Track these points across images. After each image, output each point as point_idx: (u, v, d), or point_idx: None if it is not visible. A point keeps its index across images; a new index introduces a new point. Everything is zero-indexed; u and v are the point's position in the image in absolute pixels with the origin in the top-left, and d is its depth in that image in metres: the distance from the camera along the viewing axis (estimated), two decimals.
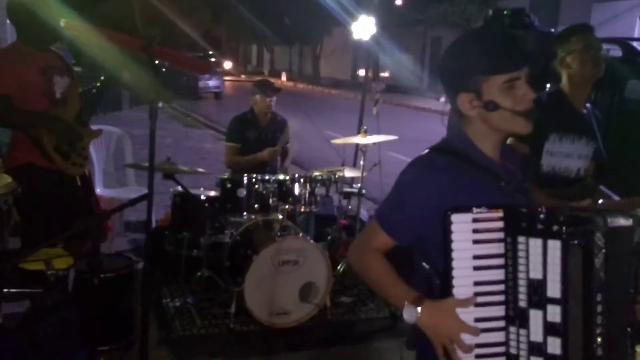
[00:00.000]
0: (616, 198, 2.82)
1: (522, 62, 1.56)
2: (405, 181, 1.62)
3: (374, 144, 4.80)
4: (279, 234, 3.96)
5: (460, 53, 1.61)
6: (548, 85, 4.58)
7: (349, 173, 4.89)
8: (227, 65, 32.64)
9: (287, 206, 4.18)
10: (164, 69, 2.33)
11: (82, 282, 2.56)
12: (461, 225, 1.41)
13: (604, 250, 1.37)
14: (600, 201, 2.80)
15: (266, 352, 3.70)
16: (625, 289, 1.46)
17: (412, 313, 1.46)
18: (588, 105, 2.91)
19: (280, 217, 4.16)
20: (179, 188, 4.25)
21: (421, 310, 1.45)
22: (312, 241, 4.03)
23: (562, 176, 2.81)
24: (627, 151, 3.08)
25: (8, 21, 3.43)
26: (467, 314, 1.43)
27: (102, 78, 3.43)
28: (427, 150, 1.64)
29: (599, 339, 1.38)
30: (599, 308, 1.37)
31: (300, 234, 4.08)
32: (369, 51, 7.02)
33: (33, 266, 2.32)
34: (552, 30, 4.99)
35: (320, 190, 4.36)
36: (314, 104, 16.45)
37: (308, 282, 3.93)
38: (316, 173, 4.45)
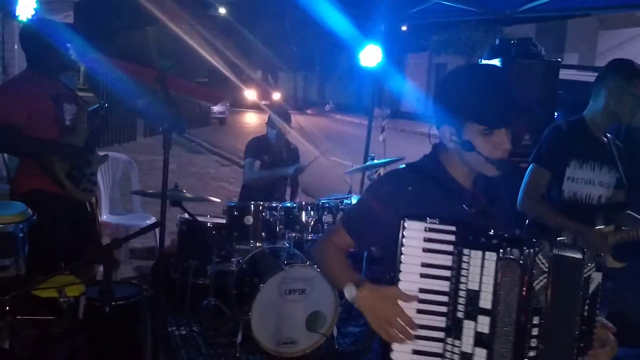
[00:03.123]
0: None
1: (504, 123, 1.64)
2: (373, 191, 1.80)
3: (379, 171, 4.82)
4: (285, 262, 3.95)
5: (454, 89, 1.71)
6: (556, 113, 4.64)
7: (355, 200, 4.89)
8: (250, 95, 26.16)
9: (294, 234, 4.18)
10: (177, 99, 2.35)
11: (92, 310, 2.54)
12: (414, 232, 1.48)
13: (546, 275, 1.42)
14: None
15: None
16: (569, 322, 1.48)
17: (352, 291, 1.55)
18: (609, 135, 2.94)
19: (287, 245, 4.15)
20: (186, 215, 4.25)
21: (361, 289, 1.54)
22: (319, 270, 4.01)
23: (583, 203, 2.83)
24: (633, 180, 3.07)
25: (16, 47, 3.48)
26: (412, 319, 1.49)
27: (106, 105, 3.47)
28: (400, 166, 1.78)
29: None
30: (535, 331, 1.42)
31: (307, 263, 4.06)
32: (375, 78, 7.06)
33: (46, 293, 2.32)
34: (560, 60, 5.04)
35: (327, 218, 4.36)
36: (319, 130, 16.53)
37: (315, 311, 3.90)
38: (323, 200, 4.46)
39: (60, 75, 3.49)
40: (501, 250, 1.42)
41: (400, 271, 1.49)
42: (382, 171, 5.05)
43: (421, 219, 1.49)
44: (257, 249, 4.12)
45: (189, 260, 4.29)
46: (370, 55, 5.91)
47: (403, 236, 1.48)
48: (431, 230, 1.49)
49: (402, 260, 1.49)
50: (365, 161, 5.85)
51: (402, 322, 1.47)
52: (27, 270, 2.86)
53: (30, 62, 3.35)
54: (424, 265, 1.49)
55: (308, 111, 30.18)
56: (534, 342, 1.42)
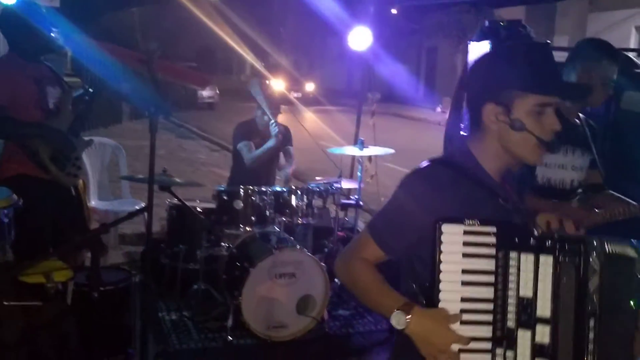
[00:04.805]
0: (634, 203, 2.82)
1: (560, 90, 1.52)
2: (403, 194, 1.55)
3: (370, 156, 4.81)
4: (275, 246, 3.95)
5: (503, 61, 1.53)
6: None
7: (346, 184, 4.89)
8: (279, 85, 20.43)
9: (284, 218, 4.17)
10: (162, 82, 2.31)
11: (81, 296, 2.53)
12: (451, 237, 1.36)
13: (598, 274, 1.33)
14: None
15: None
16: (622, 321, 1.40)
17: (400, 319, 1.40)
18: (582, 116, 2.92)
19: (277, 229, 4.14)
20: (175, 200, 4.23)
21: (411, 316, 1.38)
22: (309, 253, 4.02)
23: (557, 188, 2.83)
24: (622, 162, 3.09)
25: None
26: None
27: (91, 90, 3.43)
28: (427, 163, 1.57)
29: None
30: (591, 335, 1.33)
31: (298, 246, 4.06)
32: (364, 61, 7.02)
33: (33, 279, 2.30)
34: (548, 41, 5.01)
35: (317, 202, 4.35)
36: (308, 114, 16.48)
37: (305, 295, 3.91)
38: (313, 185, 4.45)
39: (46, 59, 3.45)
40: (557, 253, 1.31)
41: (439, 281, 1.36)
42: (372, 157, 5.05)
43: (459, 221, 1.36)
44: (247, 233, 4.12)
45: (179, 245, 4.28)
46: (360, 38, 5.87)
47: (440, 242, 1.36)
48: (470, 233, 1.36)
49: (441, 269, 1.36)
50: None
51: (455, 347, 1.37)
52: (14, 256, 2.84)
53: (11, 46, 3.33)
54: (465, 272, 1.37)
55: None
56: (591, 346, 1.34)
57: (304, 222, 4.27)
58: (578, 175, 2.84)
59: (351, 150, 4.86)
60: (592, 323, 1.33)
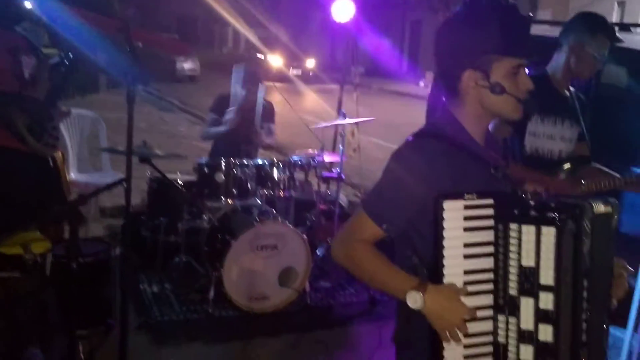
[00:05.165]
0: (616, 175, 2.86)
1: (532, 51, 1.55)
2: (396, 168, 1.54)
3: (353, 130, 4.80)
4: (257, 218, 3.95)
5: (476, 27, 1.52)
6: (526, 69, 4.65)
7: (328, 158, 4.88)
8: (277, 61, 19.82)
9: (265, 191, 4.17)
10: (139, 51, 2.25)
11: (60, 267, 2.52)
12: (453, 213, 1.38)
13: (590, 236, 1.37)
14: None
15: (245, 337, 3.70)
16: (606, 275, 1.47)
17: (417, 299, 1.41)
18: (572, 88, 2.94)
19: (259, 202, 4.14)
20: (155, 173, 4.20)
21: (426, 295, 1.40)
22: (291, 226, 4.03)
23: (544, 158, 2.85)
24: (603, 135, 3.13)
25: None
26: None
27: (67, 60, 3.36)
28: (414, 135, 1.57)
29: (584, 325, 1.39)
30: (585, 294, 1.38)
31: (279, 219, 4.07)
32: (348, 35, 6.97)
33: (10, 250, 2.28)
34: (531, 14, 5.02)
35: (299, 175, 4.35)
36: (290, 86, 16.33)
37: (287, 267, 3.94)
38: (295, 158, 4.44)
39: (24, 29, 3.37)
40: (558, 223, 1.34)
41: (443, 256, 1.39)
42: (355, 131, 5.03)
43: (459, 196, 1.38)
44: (229, 206, 4.11)
45: (160, 218, 4.27)
46: (343, 10, 5.81)
47: (442, 218, 1.37)
48: (470, 207, 1.39)
49: (444, 245, 1.38)
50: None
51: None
52: None
53: None
54: (467, 245, 1.40)
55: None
56: (585, 305, 1.39)
57: (286, 194, 4.27)
58: (566, 147, 2.87)
59: (333, 123, 4.84)
60: (585, 283, 1.38)
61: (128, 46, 2.13)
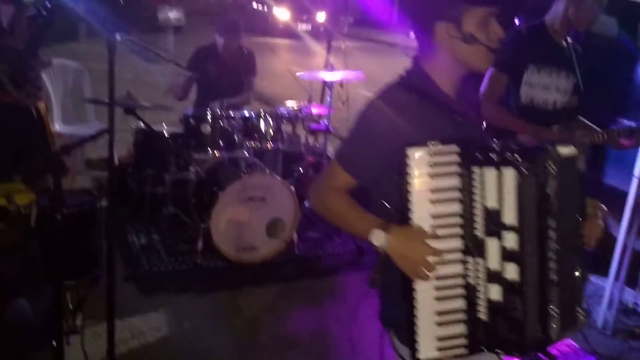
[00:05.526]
0: (597, 129, 2.88)
1: (505, 2, 1.56)
2: (365, 120, 1.59)
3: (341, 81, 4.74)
4: (245, 170, 3.94)
5: None
6: (516, 20, 4.58)
7: (315, 110, 4.84)
8: (283, 15, 17.50)
9: (253, 143, 4.14)
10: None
11: (44, 218, 2.51)
12: (418, 160, 1.42)
13: (555, 178, 1.41)
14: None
15: (234, 287, 3.75)
16: (574, 216, 1.51)
17: (380, 238, 1.47)
18: (569, 39, 2.91)
19: (246, 154, 4.12)
20: (141, 124, 4.15)
21: (390, 234, 1.46)
22: (278, 178, 4.03)
23: (539, 108, 2.85)
24: (590, 86, 3.11)
25: None
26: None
27: (49, 6, 3.27)
28: (385, 87, 1.62)
29: (553, 264, 1.43)
30: (552, 234, 1.42)
31: (267, 171, 4.06)
32: None
33: None
34: None
35: (286, 127, 4.32)
36: (299, 45, 15.99)
37: (275, 218, 3.95)
38: (282, 110, 4.40)
39: None
40: (518, 165, 1.38)
41: (409, 201, 1.43)
42: (343, 83, 4.97)
43: (423, 144, 1.42)
44: (216, 158, 4.09)
45: (146, 170, 4.24)
46: None
47: (408, 165, 1.42)
48: (435, 154, 1.43)
49: (410, 191, 1.42)
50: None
51: (430, 259, 1.44)
52: None
53: None
54: (433, 190, 1.43)
55: None
56: (552, 244, 1.43)
57: (274, 147, 4.25)
58: (561, 97, 2.87)
59: (320, 75, 4.78)
60: (552, 223, 1.41)
61: None
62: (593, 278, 4.12)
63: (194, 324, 3.36)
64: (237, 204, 3.83)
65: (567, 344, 3.27)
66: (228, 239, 3.84)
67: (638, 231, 3.43)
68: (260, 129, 4.18)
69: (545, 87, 2.85)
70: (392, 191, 1.53)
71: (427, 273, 1.43)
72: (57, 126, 5.17)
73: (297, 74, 4.97)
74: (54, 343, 2.23)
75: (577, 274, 1.52)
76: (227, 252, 3.84)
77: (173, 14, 19.99)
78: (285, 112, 4.32)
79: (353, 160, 1.59)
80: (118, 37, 2.16)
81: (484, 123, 2.95)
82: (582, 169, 1.52)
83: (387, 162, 1.51)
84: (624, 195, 3.48)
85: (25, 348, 2.67)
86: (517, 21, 4.53)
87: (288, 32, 16.68)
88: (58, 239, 2.17)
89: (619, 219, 3.52)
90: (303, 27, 17.70)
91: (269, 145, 4.21)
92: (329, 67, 4.87)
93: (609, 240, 3.81)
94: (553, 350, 3.10)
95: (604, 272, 3.73)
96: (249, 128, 4.17)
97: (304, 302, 3.64)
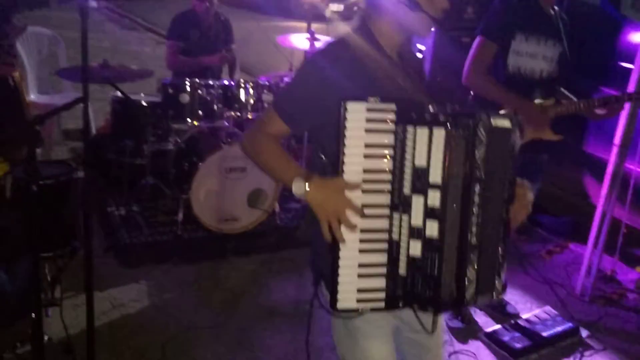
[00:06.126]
0: (574, 99, 2.88)
1: None
2: (303, 71, 1.68)
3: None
4: (225, 141, 3.89)
5: None
6: None
7: None
8: None
9: (232, 113, 4.08)
10: None
11: (20, 189, 2.46)
12: (355, 114, 1.45)
13: (485, 146, 1.46)
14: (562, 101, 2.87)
15: (215, 258, 3.74)
16: (501, 187, 1.56)
17: (300, 187, 1.52)
18: (556, 7, 2.89)
19: (226, 124, 4.06)
20: (119, 94, 4.07)
21: (310, 184, 1.51)
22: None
23: (526, 77, 2.83)
24: (575, 54, 3.10)
25: None
26: (355, 200, 1.49)
27: None
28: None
29: (474, 229, 1.49)
30: (477, 199, 1.48)
31: None
32: None
33: None
34: None
35: (267, 97, 4.26)
36: (260, 4, 15.75)
37: (256, 189, 3.92)
38: (262, 79, 4.33)
39: None
40: (449, 126, 1.42)
41: (344, 154, 1.45)
42: None
43: (362, 99, 1.45)
44: (195, 128, 4.02)
45: (124, 141, 4.17)
46: None
47: (345, 118, 1.44)
48: (372, 110, 1.46)
49: (345, 143, 1.45)
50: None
51: (349, 212, 1.48)
52: None
53: None
54: (367, 145, 1.47)
55: None
56: (475, 209, 1.48)
57: (254, 116, 4.19)
58: (548, 66, 2.85)
59: (301, 43, 4.71)
60: (477, 189, 1.47)
61: None
62: (572, 245, 4.18)
63: (175, 295, 3.35)
64: (217, 175, 3.79)
65: (545, 310, 3.33)
66: (208, 210, 3.81)
67: (617, 199, 3.47)
68: (240, 98, 4.12)
69: (533, 56, 2.83)
70: (327, 143, 1.56)
71: (344, 224, 1.47)
72: (33, 96, 5.06)
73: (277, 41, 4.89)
74: (33, 315, 2.20)
75: (500, 245, 1.58)
76: (207, 223, 3.81)
77: None
78: (266, 81, 4.25)
79: (288, 109, 1.64)
80: (93, 3, 2.09)
81: (471, 93, 2.94)
82: (516, 145, 1.57)
83: (322, 113, 1.55)
84: (604, 163, 3.51)
85: (3, 320, 2.64)
86: None
87: (314, 14, 15.43)
88: (34, 210, 2.12)
89: (598, 186, 3.56)
90: (334, 6, 16.47)
91: (250, 115, 4.15)
92: (310, 35, 4.79)
93: (588, 208, 3.85)
94: (532, 317, 3.16)
95: (582, 239, 3.79)
96: (229, 97, 4.11)
97: (286, 272, 3.64)
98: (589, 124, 3.89)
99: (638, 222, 3.72)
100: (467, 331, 3.19)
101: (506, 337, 3.06)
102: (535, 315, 3.27)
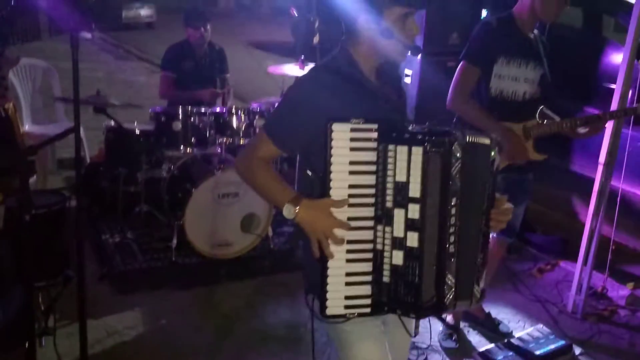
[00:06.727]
0: (557, 118, 2.94)
1: (423, 4, 1.78)
2: (292, 96, 1.78)
3: None
4: (217, 167, 3.93)
5: None
6: (484, 11, 4.64)
7: None
8: None
9: (225, 139, 4.13)
10: None
11: (13, 219, 2.49)
12: (340, 134, 1.57)
13: (460, 161, 1.58)
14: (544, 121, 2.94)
15: (209, 283, 3.75)
16: (478, 199, 1.68)
17: (290, 210, 1.63)
18: (536, 31, 2.97)
19: (219, 150, 4.11)
20: (112, 123, 4.12)
21: (299, 207, 1.63)
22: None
23: (509, 99, 2.89)
24: (556, 76, 3.17)
25: None
26: (341, 214, 1.61)
27: (12, 3, 3.22)
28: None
29: (452, 238, 1.60)
30: (453, 211, 1.59)
31: None
32: None
33: None
34: None
35: (259, 122, 4.32)
36: (251, 32, 15.96)
37: (249, 213, 3.95)
38: (254, 105, 4.39)
39: None
40: (426, 145, 1.54)
41: (330, 171, 1.57)
42: None
43: (346, 120, 1.57)
44: (188, 155, 4.07)
45: (118, 169, 4.21)
46: None
47: (331, 139, 1.56)
48: (356, 130, 1.58)
49: (332, 162, 1.57)
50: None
51: (337, 230, 1.60)
52: None
53: None
54: (352, 163, 1.59)
55: None
56: (453, 220, 1.60)
57: (246, 142, 4.24)
58: (530, 88, 2.91)
59: (292, 70, 4.79)
60: (454, 201, 1.59)
61: None
62: (562, 263, 4.22)
63: (170, 321, 3.36)
64: (210, 201, 3.82)
65: (537, 328, 3.35)
66: (203, 236, 3.83)
67: (604, 216, 3.52)
68: (233, 125, 4.17)
69: (515, 79, 2.89)
70: (315, 161, 1.67)
71: (333, 243, 1.59)
72: (27, 126, 5.10)
73: (269, 68, 4.97)
74: (26, 344, 2.22)
75: (479, 254, 1.70)
76: (201, 249, 3.84)
77: (145, 11, 19.71)
78: (257, 107, 4.31)
79: (278, 131, 1.74)
80: (87, 35, 2.15)
81: (455, 117, 3.00)
82: (495, 161, 1.69)
83: (309, 133, 1.67)
84: (590, 181, 3.56)
85: None
86: (485, 13, 4.59)
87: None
88: (27, 239, 2.15)
89: (585, 204, 3.60)
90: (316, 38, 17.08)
91: (242, 140, 4.20)
92: (300, 62, 4.87)
93: (577, 226, 3.90)
94: (524, 335, 3.18)
95: (572, 257, 3.82)
96: (221, 124, 4.16)
97: (279, 295, 3.65)
98: (573, 143, 3.96)
99: (626, 239, 3.77)
100: (460, 351, 3.20)
101: (500, 356, 3.07)
102: (528, 334, 3.28)
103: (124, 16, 19.12)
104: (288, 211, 1.64)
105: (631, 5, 3.29)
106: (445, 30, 4.24)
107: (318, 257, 1.62)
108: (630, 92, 3.38)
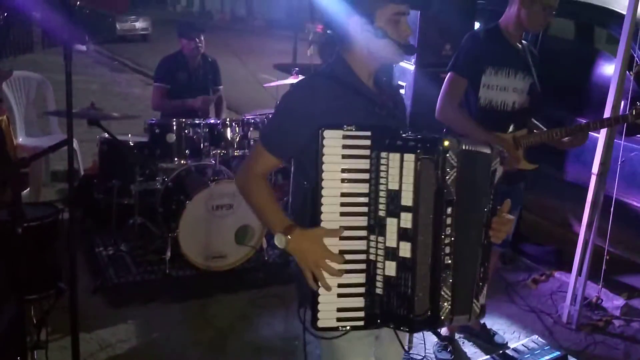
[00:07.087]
0: (544, 129, 2.96)
1: (417, 1, 1.75)
2: (286, 104, 1.75)
3: None
4: (211, 178, 3.93)
5: None
6: (477, 23, 4.67)
7: None
8: None
9: (219, 151, 4.14)
10: (78, 8, 2.18)
11: (4, 232, 2.47)
12: (332, 141, 1.52)
13: (456, 169, 1.52)
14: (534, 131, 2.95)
15: (203, 296, 3.73)
16: (477, 210, 1.62)
17: (282, 240, 1.59)
18: (524, 42, 2.99)
19: (213, 162, 4.11)
20: (106, 135, 4.12)
21: (290, 237, 1.58)
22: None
23: (498, 109, 2.91)
24: (548, 87, 3.19)
25: None
26: (334, 224, 1.55)
27: (5, 15, 3.23)
28: (308, 75, 1.82)
29: (448, 249, 1.54)
30: (449, 220, 1.53)
31: (234, 179, 4.04)
32: None
33: None
34: None
35: (253, 134, 4.33)
36: (246, 45, 16.03)
37: (243, 225, 3.94)
38: (249, 116, 4.40)
39: None
40: (418, 151, 1.49)
41: (322, 179, 1.52)
42: None
43: (338, 127, 1.53)
44: (182, 166, 4.07)
45: (112, 181, 4.20)
46: None
47: (323, 146, 1.52)
48: (348, 137, 1.53)
49: (323, 169, 1.52)
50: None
51: (329, 262, 1.55)
52: None
53: None
54: (344, 170, 1.54)
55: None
56: (449, 230, 1.53)
57: (240, 154, 4.25)
58: (519, 98, 2.93)
59: (285, 80, 4.80)
60: (449, 210, 1.53)
61: (63, 4, 2.05)
62: (557, 274, 4.22)
63: (164, 334, 3.33)
64: (204, 213, 3.82)
65: (533, 339, 3.34)
66: (197, 248, 3.82)
67: (598, 227, 3.52)
68: (227, 136, 4.18)
69: (503, 89, 2.90)
70: (309, 169, 1.63)
71: (325, 272, 1.53)
72: (21, 139, 5.10)
73: (265, 85, 4.99)
74: (18, 358, 2.19)
75: (478, 268, 1.64)
76: (195, 261, 3.83)
77: (140, 24, 19.79)
78: (251, 119, 4.32)
79: (273, 138, 1.73)
80: (82, 47, 2.16)
81: (445, 128, 3.01)
82: (497, 172, 1.64)
83: (306, 143, 1.63)
84: (583, 192, 3.57)
85: None
86: (478, 24, 4.62)
87: None
88: (19, 252, 2.14)
89: (579, 214, 3.61)
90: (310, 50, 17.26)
91: (236, 152, 4.21)
92: (294, 72, 4.90)
93: (571, 236, 3.90)
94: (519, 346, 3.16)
95: (567, 267, 3.82)
96: (215, 136, 4.17)
97: (273, 308, 3.64)
98: (568, 154, 3.97)
99: (620, 250, 3.77)
100: None
101: None
102: (523, 345, 3.27)
103: (118, 28, 19.20)
104: (279, 240, 1.60)
105: (622, 17, 3.32)
106: (438, 41, 4.26)
107: (314, 287, 1.56)
108: (622, 102, 3.40)
